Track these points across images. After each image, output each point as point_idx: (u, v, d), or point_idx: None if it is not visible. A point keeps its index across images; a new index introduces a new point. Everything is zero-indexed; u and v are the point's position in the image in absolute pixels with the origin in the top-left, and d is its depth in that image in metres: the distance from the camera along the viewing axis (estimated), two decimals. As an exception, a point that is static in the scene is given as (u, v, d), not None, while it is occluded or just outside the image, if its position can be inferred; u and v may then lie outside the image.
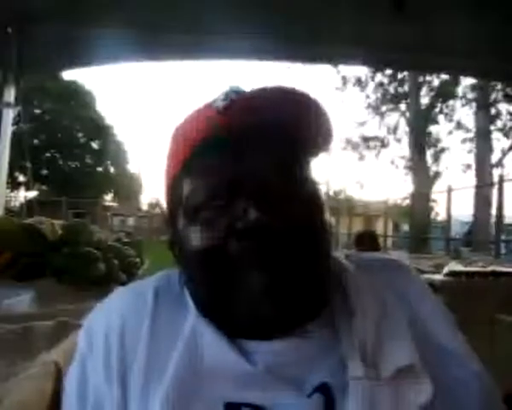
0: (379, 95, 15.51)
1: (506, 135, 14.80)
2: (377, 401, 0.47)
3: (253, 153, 0.50)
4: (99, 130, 25.48)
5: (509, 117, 14.69)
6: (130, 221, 23.95)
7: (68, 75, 23.18)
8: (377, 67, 10.48)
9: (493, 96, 14.08)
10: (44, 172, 23.88)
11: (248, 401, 0.47)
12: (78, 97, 24.45)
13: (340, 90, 15.65)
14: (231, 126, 0.50)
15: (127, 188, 27.39)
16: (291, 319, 0.50)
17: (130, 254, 2.54)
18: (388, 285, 0.57)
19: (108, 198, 28.24)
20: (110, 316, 0.55)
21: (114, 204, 27.90)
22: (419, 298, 0.58)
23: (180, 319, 0.53)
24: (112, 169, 27.18)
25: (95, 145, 26.36)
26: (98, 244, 2.19)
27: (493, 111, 14.39)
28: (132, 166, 28.47)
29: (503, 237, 9.63)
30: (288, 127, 0.51)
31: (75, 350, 1.17)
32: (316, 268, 0.51)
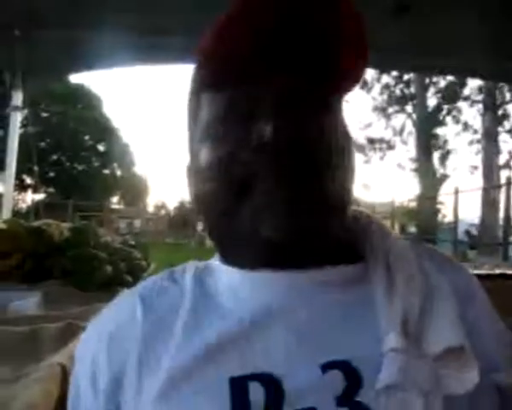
0: (385, 96, 15.48)
1: (513, 136, 14.74)
2: (416, 379, 0.40)
3: (277, 63, 0.46)
4: (105, 132, 25.63)
5: (516, 118, 14.61)
6: (137, 223, 24.03)
7: (75, 78, 23.38)
8: (383, 68, 10.46)
9: (500, 97, 14.01)
10: (51, 174, 24.05)
11: (256, 370, 0.42)
12: (84, 100, 24.63)
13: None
14: (252, 32, 0.45)
15: (133, 190, 27.52)
16: (310, 246, 0.46)
17: (136, 256, 2.56)
18: (440, 271, 0.49)
19: (115, 200, 28.38)
20: (99, 331, 0.52)
21: (121, 206, 28.03)
22: (472, 296, 0.51)
23: (175, 308, 0.49)
24: (118, 171, 27.32)
25: (101, 148, 26.52)
26: (104, 247, 2.20)
27: (500, 112, 14.32)
28: (139, 169, 28.53)
29: (511, 239, 9.55)
30: (321, 35, 0.46)
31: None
32: (338, 198, 0.47)
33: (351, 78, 0.51)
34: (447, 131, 15.76)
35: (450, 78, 13.19)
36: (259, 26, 0.45)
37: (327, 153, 0.46)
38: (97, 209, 19.99)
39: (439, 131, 15.50)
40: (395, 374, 0.40)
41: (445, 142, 15.70)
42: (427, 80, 14.18)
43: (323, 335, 0.44)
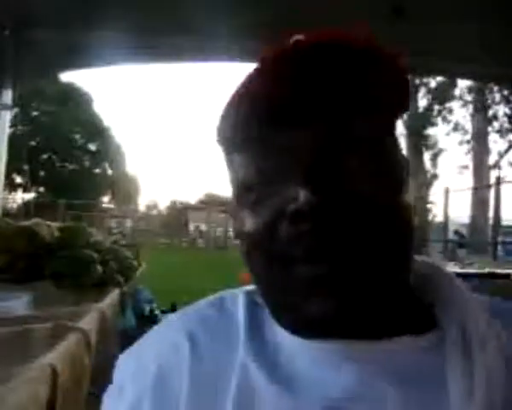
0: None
1: (503, 137, 14.87)
2: None
3: (311, 122, 0.39)
4: (97, 132, 25.46)
5: (506, 119, 14.75)
6: (128, 223, 23.92)
7: (66, 77, 23.19)
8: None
9: (490, 98, 14.14)
10: (42, 173, 23.85)
11: None
12: (75, 99, 24.45)
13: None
14: (285, 97, 0.40)
15: (125, 190, 27.38)
16: (357, 322, 0.39)
17: (127, 256, 2.55)
18: None
19: (106, 200, 28.21)
20: (142, 370, 0.47)
21: (112, 206, 27.87)
22: None
23: (226, 355, 0.45)
24: (109, 171, 27.16)
25: (92, 147, 26.34)
26: (95, 247, 2.19)
27: (490, 113, 14.45)
28: (130, 168, 28.40)
29: (500, 239, 9.65)
30: (354, 87, 0.40)
31: (72, 353, 1.17)
32: (391, 264, 0.40)
33: (393, 115, 0.45)
34: (438, 132, 15.82)
35: (440, 78, 13.29)
36: (291, 75, 0.40)
37: (381, 209, 0.39)
38: (88, 209, 19.85)
39: (430, 131, 15.62)
40: None
41: (436, 142, 15.82)
42: (418, 81, 14.27)
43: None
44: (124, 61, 2.48)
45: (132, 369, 0.48)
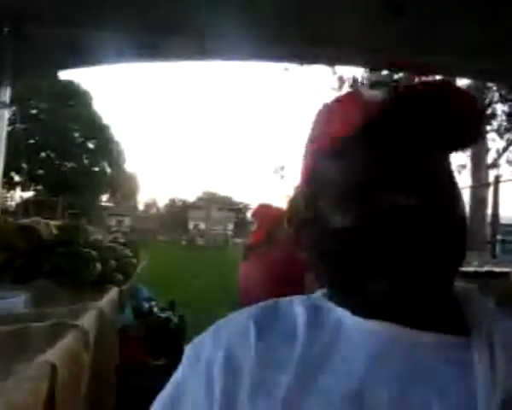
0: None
1: (501, 135, 14.88)
2: None
3: (405, 144, 0.50)
4: (96, 129, 25.44)
5: (504, 118, 14.76)
6: (127, 221, 23.91)
7: (64, 75, 23.13)
8: (373, 68, 10.50)
9: (489, 96, 14.15)
10: (40, 172, 23.82)
11: None
12: (74, 97, 24.43)
13: (336, 91, 15.66)
14: (385, 117, 0.50)
15: (124, 188, 27.37)
16: (422, 307, 0.49)
17: (126, 254, 2.55)
18: None
19: (105, 198, 28.19)
20: (217, 343, 0.54)
21: (111, 204, 27.86)
22: None
23: (289, 339, 0.52)
24: (108, 169, 27.14)
25: (91, 145, 26.32)
26: (94, 245, 2.19)
27: (489, 112, 14.46)
28: (129, 166, 28.39)
29: (499, 237, 9.67)
30: (439, 123, 0.51)
31: (71, 351, 1.17)
32: (453, 264, 0.51)
33: (463, 144, 0.56)
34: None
35: (439, 77, 13.31)
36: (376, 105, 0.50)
37: (447, 219, 0.49)
38: (87, 207, 19.83)
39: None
40: None
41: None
42: (417, 80, 14.29)
43: (432, 386, 0.47)
44: (124, 60, 2.48)
45: (208, 343, 0.55)
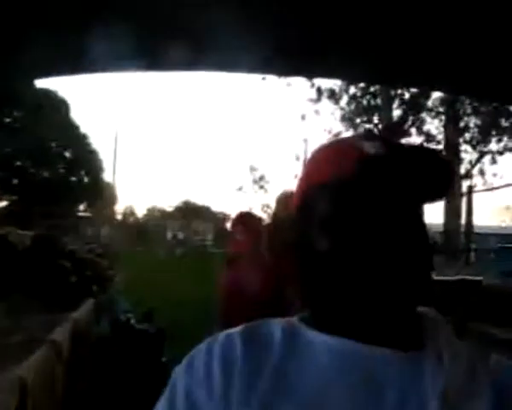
0: (352, 107, 15.79)
1: (474, 147, 15.28)
2: None
3: (389, 199, 0.58)
4: (73, 139, 25.07)
5: (476, 130, 15.17)
6: (105, 231, 23.55)
7: (41, 83, 22.80)
8: (351, 81, 10.69)
9: (462, 109, 14.52)
10: (15, 181, 23.30)
11: None
12: (50, 105, 24.03)
13: (313, 102, 15.84)
14: (378, 169, 0.58)
15: (101, 197, 26.98)
16: (394, 326, 0.55)
17: (103, 265, 2.52)
18: (487, 372, 0.57)
19: (82, 208, 27.73)
20: (213, 357, 0.59)
21: (88, 214, 27.44)
22: None
23: (266, 354, 0.58)
24: (86, 179, 26.73)
25: (68, 154, 25.90)
26: (70, 256, 2.16)
27: (462, 124, 14.84)
28: (107, 176, 28.00)
29: (472, 246, 9.89)
30: (423, 182, 0.59)
31: (42, 365, 1.15)
32: (419, 290, 0.57)
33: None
34: (411, 142, 16.13)
35: (414, 90, 13.59)
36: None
37: (419, 253, 0.57)
38: (64, 217, 19.46)
39: (404, 141, 15.92)
40: None
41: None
42: (393, 92, 14.56)
43: (382, 397, 0.53)
44: (119, 68, 2.45)
45: (204, 355, 0.60)
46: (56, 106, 24.48)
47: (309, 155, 0.69)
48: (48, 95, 23.75)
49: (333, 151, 0.63)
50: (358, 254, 0.56)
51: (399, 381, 0.54)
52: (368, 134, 0.63)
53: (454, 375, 0.54)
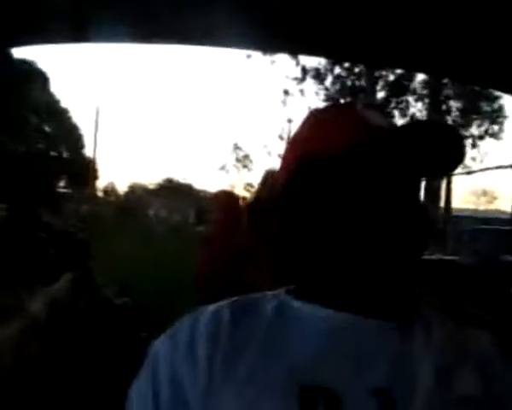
0: (337, 87, 15.76)
1: (456, 130, 15.47)
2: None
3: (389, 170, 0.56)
4: (53, 113, 24.49)
5: (458, 113, 15.34)
6: (85, 208, 23.26)
7: (18, 53, 22.08)
8: (336, 59, 10.66)
9: (445, 92, 14.65)
10: (-8, 155, 22.72)
11: (323, 385, 0.51)
12: (28, 78, 23.33)
13: (298, 81, 15.76)
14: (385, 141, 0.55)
15: (82, 173, 26.54)
16: (383, 299, 0.56)
17: (81, 240, 2.50)
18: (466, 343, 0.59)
19: (62, 184, 27.28)
20: (200, 326, 0.59)
21: (69, 190, 27.01)
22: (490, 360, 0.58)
23: (254, 326, 0.57)
24: (66, 154, 26.24)
25: (48, 129, 25.33)
26: (48, 228, 2.13)
27: (444, 107, 14.99)
28: (88, 151, 27.50)
29: (450, 228, 10.12)
30: (428, 157, 0.57)
31: (19, 336, 1.15)
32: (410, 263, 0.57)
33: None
34: (395, 124, 16.20)
35: (398, 71, 13.64)
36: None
37: (416, 229, 0.56)
38: (43, 192, 19.11)
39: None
40: (424, 404, 0.51)
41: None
42: (377, 74, 14.58)
43: (375, 366, 0.53)
44: (105, 39, 2.37)
45: (191, 324, 0.59)
46: (35, 78, 23.79)
47: (303, 122, 0.64)
48: (26, 66, 23.04)
49: (336, 122, 0.60)
50: (356, 228, 0.55)
51: (390, 351, 0.54)
52: (367, 103, 0.60)
53: (442, 347, 0.55)
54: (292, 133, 0.67)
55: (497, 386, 0.55)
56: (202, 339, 0.56)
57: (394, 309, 0.57)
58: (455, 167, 0.61)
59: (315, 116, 0.64)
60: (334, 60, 11.93)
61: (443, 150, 0.57)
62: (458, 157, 0.59)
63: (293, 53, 9.60)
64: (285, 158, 0.64)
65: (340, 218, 0.56)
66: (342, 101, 15.22)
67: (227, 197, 2.45)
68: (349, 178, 0.56)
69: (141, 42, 2.54)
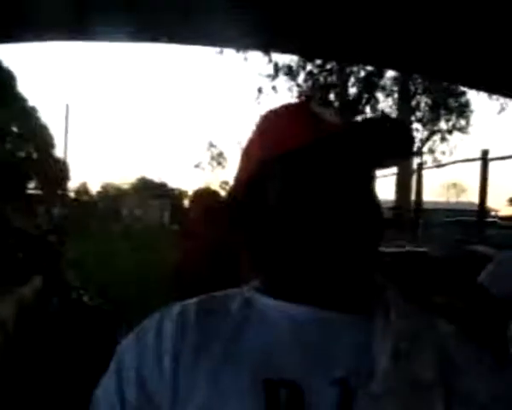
0: (309, 84, 15.86)
1: (424, 125, 15.82)
2: (398, 392, 0.53)
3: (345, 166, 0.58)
4: (20, 112, 23.80)
5: (427, 108, 15.68)
6: (57, 209, 22.75)
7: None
8: (306, 56, 10.71)
9: (414, 88, 14.95)
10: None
11: (286, 377, 0.53)
12: (-6, 77, 22.61)
13: (270, 78, 15.78)
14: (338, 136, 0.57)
15: (53, 174, 25.92)
16: (345, 293, 0.57)
17: (51, 242, 2.46)
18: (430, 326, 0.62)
19: (33, 185, 26.59)
20: (169, 321, 0.60)
21: (39, 192, 26.35)
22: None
23: (220, 324, 0.59)
24: (35, 154, 25.56)
25: (15, 128, 24.62)
26: (16, 232, 2.09)
27: (414, 103, 15.29)
28: (58, 151, 26.87)
29: (421, 221, 10.33)
30: (380, 150, 0.60)
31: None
32: (370, 253, 0.59)
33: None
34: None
35: (369, 68, 13.82)
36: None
37: (372, 222, 0.58)
38: (12, 194, 18.59)
39: (359, 119, 16.17)
40: (381, 389, 0.53)
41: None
42: (348, 70, 14.74)
43: (336, 357, 0.55)
44: (92, 38, 2.32)
45: (156, 324, 0.60)
46: (1, 77, 23.07)
47: (259, 122, 0.66)
48: (-9, 65, 22.32)
49: (292, 119, 0.61)
50: (316, 222, 0.56)
51: (351, 342, 0.56)
52: (318, 101, 0.61)
53: (401, 333, 0.57)
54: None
55: (451, 370, 0.57)
56: (167, 340, 0.57)
57: (356, 301, 0.59)
58: (405, 157, 0.65)
59: (271, 117, 0.65)
60: (306, 57, 12.00)
61: (392, 143, 0.59)
62: (407, 148, 0.62)
63: (266, 50, 9.61)
64: (247, 155, 0.65)
65: (300, 213, 0.57)
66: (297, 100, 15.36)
67: (206, 195, 2.45)
68: (307, 174, 0.57)
69: (123, 41, 2.50)
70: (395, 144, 0.59)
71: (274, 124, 0.63)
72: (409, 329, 0.59)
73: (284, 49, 3.38)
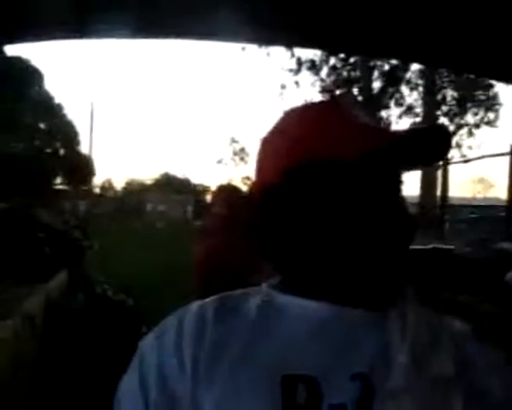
0: (332, 78, 15.69)
1: (451, 120, 15.45)
2: (416, 391, 0.54)
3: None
4: (47, 110, 24.34)
5: (454, 102, 15.32)
6: (82, 205, 23.23)
7: (12, 51, 21.91)
8: (330, 50, 10.60)
9: (439, 82, 14.62)
10: (-13, 154, 22.59)
11: (304, 373, 0.54)
12: (22, 75, 23.17)
13: (293, 73, 15.68)
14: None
15: (79, 170, 26.45)
16: (372, 283, 0.58)
17: (77, 237, 2.51)
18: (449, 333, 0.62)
19: (59, 181, 27.19)
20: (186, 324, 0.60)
21: (65, 187, 26.95)
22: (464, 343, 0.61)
23: (238, 323, 0.59)
24: (62, 151, 26.12)
25: (43, 126, 25.19)
26: (44, 228, 2.14)
27: (439, 97, 14.96)
28: (84, 147, 27.37)
29: (447, 217, 10.13)
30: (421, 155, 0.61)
31: (14, 336, 1.15)
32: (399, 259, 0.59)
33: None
34: (391, 114, 16.18)
35: (393, 61, 13.58)
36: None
37: (398, 224, 0.58)
38: (40, 190, 19.05)
39: (384, 113, 15.96)
40: (400, 385, 0.53)
41: (389, 124, 16.21)
42: (372, 64, 14.51)
43: (356, 354, 0.56)
44: (104, 35, 2.35)
45: (176, 324, 0.60)
46: (29, 75, 23.63)
47: (287, 123, 0.65)
48: (19, 63, 22.87)
49: (338, 126, 0.60)
50: (347, 226, 0.57)
51: (371, 339, 0.57)
52: (350, 99, 0.63)
53: (419, 331, 0.58)
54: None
55: (469, 369, 0.58)
56: (187, 339, 0.57)
57: (376, 299, 0.59)
58: (440, 160, 0.65)
59: (302, 120, 0.64)
60: (329, 51, 11.87)
61: (437, 150, 0.60)
62: (446, 152, 0.61)
63: (289, 45, 9.56)
64: (276, 155, 0.63)
65: (329, 216, 0.58)
66: (337, 92, 15.19)
67: (229, 191, 2.45)
68: (352, 183, 0.58)
69: (139, 37, 2.53)
70: (438, 151, 0.60)
71: (316, 127, 0.61)
72: (427, 327, 0.60)
73: (307, 44, 3.35)
